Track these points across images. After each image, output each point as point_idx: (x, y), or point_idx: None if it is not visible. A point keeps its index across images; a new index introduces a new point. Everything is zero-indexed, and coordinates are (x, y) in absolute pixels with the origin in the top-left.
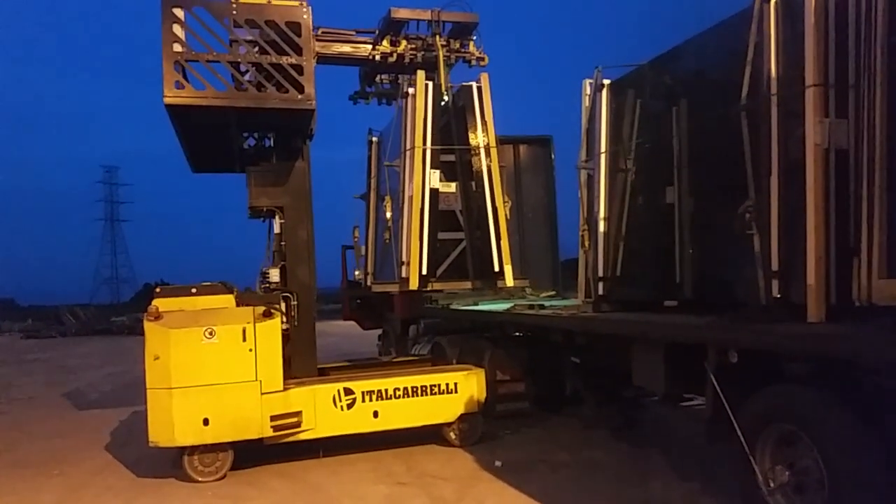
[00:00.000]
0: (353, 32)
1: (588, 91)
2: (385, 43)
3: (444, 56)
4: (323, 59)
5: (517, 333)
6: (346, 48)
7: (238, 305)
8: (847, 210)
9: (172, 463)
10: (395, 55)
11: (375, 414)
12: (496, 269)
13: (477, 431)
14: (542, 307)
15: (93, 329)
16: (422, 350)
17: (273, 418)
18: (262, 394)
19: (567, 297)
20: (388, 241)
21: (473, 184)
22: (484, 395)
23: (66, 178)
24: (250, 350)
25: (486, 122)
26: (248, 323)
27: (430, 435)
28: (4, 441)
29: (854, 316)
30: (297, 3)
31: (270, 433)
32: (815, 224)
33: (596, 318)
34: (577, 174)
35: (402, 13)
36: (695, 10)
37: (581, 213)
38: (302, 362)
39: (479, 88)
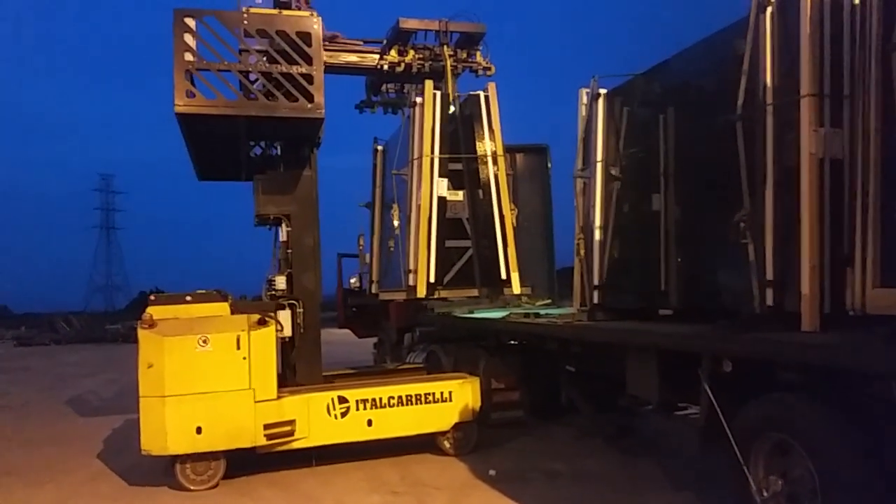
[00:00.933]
0: (361, 42)
1: (584, 100)
2: (393, 53)
3: (451, 66)
4: (330, 69)
5: (512, 342)
6: (353, 58)
7: (232, 313)
8: (841, 219)
9: (165, 471)
10: (402, 65)
11: (370, 422)
12: (503, 276)
13: (472, 440)
14: (537, 315)
15: (87, 337)
16: (417, 358)
17: (266, 427)
18: (255, 402)
19: (563, 306)
20: (392, 248)
21: (480, 192)
22: (479, 403)
23: (62, 185)
24: (244, 358)
25: (493, 130)
26: (243, 331)
27: (424, 444)
28: None
29: (848, 325)
30: (307, 14)
31: (264, 442)
32: (809, 233)
33: (591, 326)
34: (574, 183)
35: (410, 23)
36: (698, 20)
37: (577, 221)
38: (307, 369)
39: (487, 98)
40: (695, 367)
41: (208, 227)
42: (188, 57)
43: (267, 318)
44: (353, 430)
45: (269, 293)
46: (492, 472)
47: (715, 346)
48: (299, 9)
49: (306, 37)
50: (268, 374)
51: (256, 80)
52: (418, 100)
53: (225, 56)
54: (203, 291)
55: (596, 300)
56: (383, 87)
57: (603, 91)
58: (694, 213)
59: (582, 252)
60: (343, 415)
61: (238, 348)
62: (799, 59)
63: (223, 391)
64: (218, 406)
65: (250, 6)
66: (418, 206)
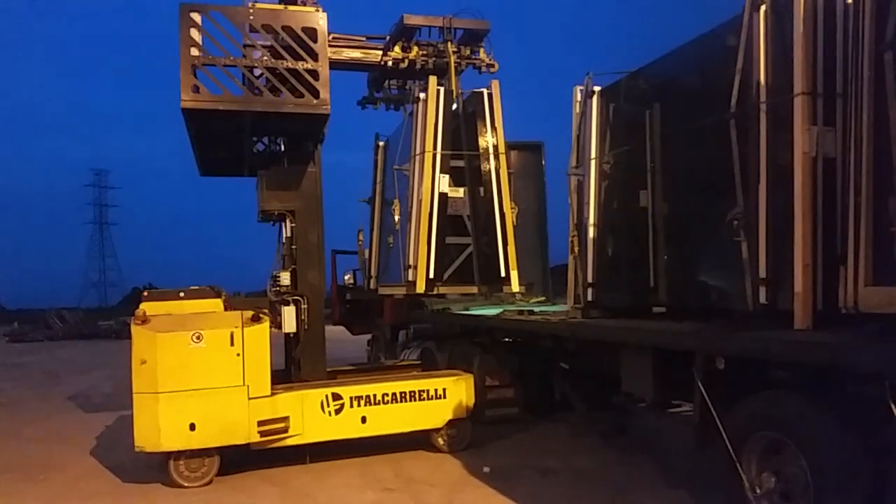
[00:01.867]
0: (364, 38)
1: (579, 97)
2: (397, 49)
3: (455, 63)
4: (334, 65)
5: (507, 339)
6: (357, 54)
7: (226, 310)
8: (834, 218)
9: (158, 468)
10: (406, 61)
11: (363, 419)
12: (502, 274)
13: (465, 437)
14: (531, 313)
15: (80, 333)
16: (411, 355)
17: (260, 423)
18: (249, 399)
19: (557, 303)
20: (391, 244)
21: (482, 189)
22: (473, 400)
23: (55, 181)
24: (238, 355)
25: (496, 128)
26: (236, 327)
27: (418, 440)
28: None
29: (841, 323)
30: (313, 9)
31: (258, 438)
32: (802, 232)
33: (585, 324)
34: (567, 180)
35: (414, 20)
36: (698, 19)
37: (571, 218)
38: (311, 365)
39: (490, 95)
40: (688, 364)
41: (202, 223)
42: (194, 52)
43: (261, 315)
44: (347, 426)
45: (273, 289)
46: (486, 469)
47: (708, 344)
48: (305, 4)
49: (312, 32)
50: (261, 371)
51: (261, 74)
52: (422, 95)
53: (231, 51)
54: (196, 288)
55: (590, 297)
56: (386, 84)
57: (597, 88)
58: (681, 210)
59: (576, 249)
60: (337, 411)
61: (232, 345)
62: (792, 57)
63: (217, 388)
64: (211, 403)
65: (256, 1)
66: (419, 202)
